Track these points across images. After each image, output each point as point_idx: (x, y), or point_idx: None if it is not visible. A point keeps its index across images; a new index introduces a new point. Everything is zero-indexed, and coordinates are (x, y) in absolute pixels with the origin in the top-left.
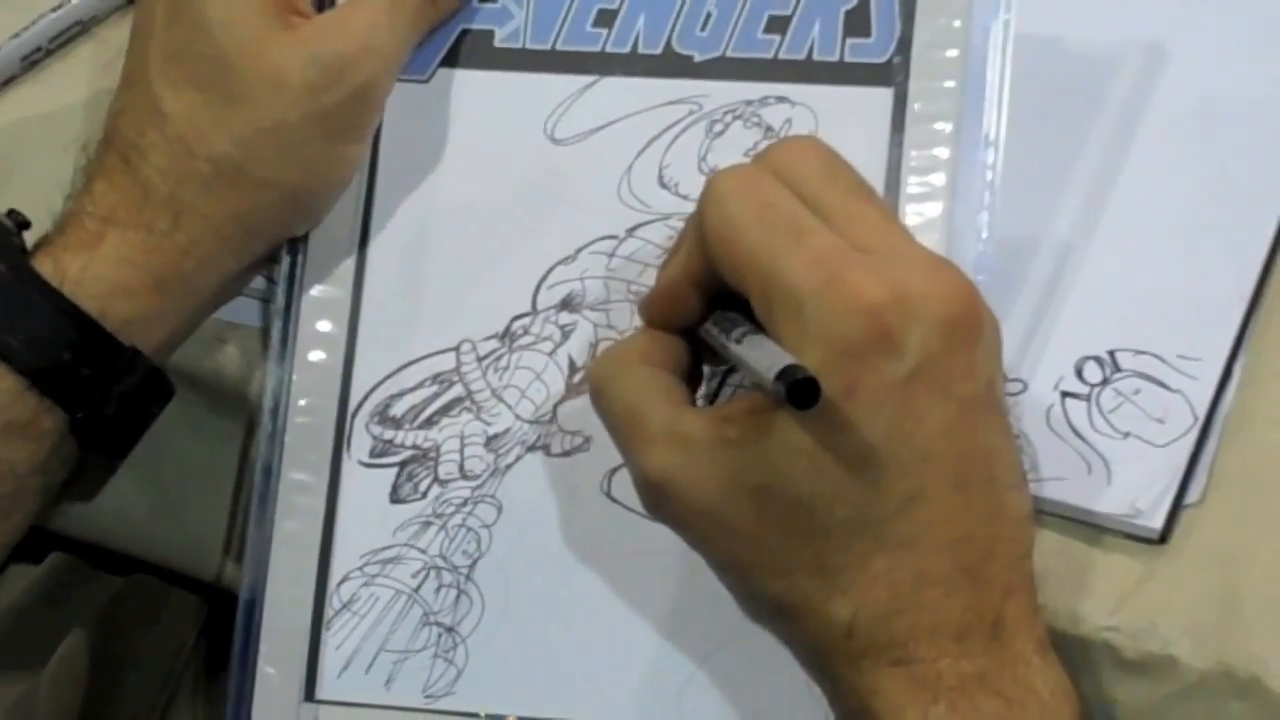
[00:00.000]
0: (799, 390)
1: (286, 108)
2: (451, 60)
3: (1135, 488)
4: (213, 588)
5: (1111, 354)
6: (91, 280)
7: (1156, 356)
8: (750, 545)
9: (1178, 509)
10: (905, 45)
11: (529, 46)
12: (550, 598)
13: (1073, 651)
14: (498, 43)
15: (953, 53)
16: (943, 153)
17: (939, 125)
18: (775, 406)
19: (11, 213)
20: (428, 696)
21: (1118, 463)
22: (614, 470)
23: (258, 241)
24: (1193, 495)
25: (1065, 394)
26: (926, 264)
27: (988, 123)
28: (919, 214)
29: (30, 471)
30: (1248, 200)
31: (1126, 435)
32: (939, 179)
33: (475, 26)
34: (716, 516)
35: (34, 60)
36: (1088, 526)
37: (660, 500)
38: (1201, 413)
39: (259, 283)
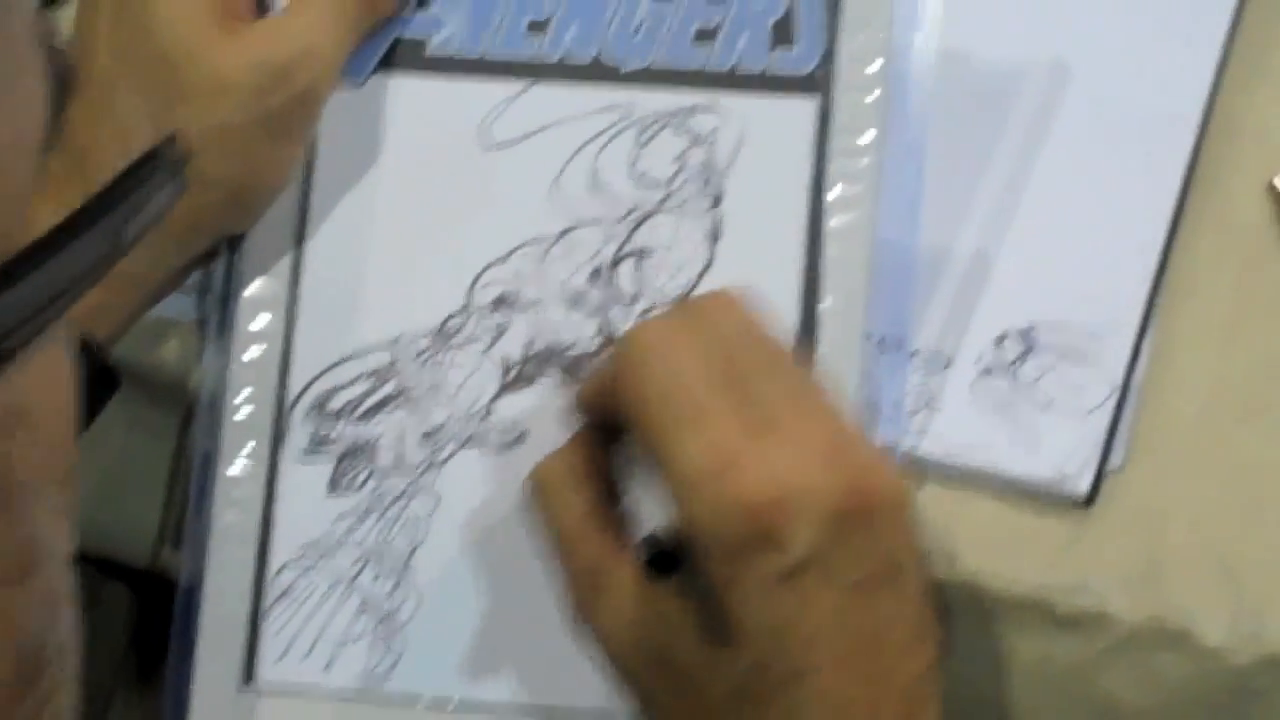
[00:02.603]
0: (659, 560)
1: (232, 110)
2: (385, 66)
3: (1060, 455)
4: (145, 576)
5: (1028, 329)
6: None
7: (1070, 330)
8: (644, 700)
9: (1102, 473)
10: (830, 57)
11: (462, 54)
12: (487, 586)
13: (1009, 611)
14: (431, 50)
15: (875, 66)
16: (866, 162)
17: (862, 135)
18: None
19: None
20: (367, 681)
21: (1042, 432)
22: None
23: (201, 238)
24: (1115, 460)
25: (986, 368)
26: (823, 449)
27: (911, 130)
28: (843, 222)
29: None
30: (1147, 188)
31: (1048, 405)
32: (862, 187)
33: (409, 35)
34: (619, 665)
35: None
36: (1018, 493)
37: (576, 622)
38: (1117, 383)
39: (195, 277)
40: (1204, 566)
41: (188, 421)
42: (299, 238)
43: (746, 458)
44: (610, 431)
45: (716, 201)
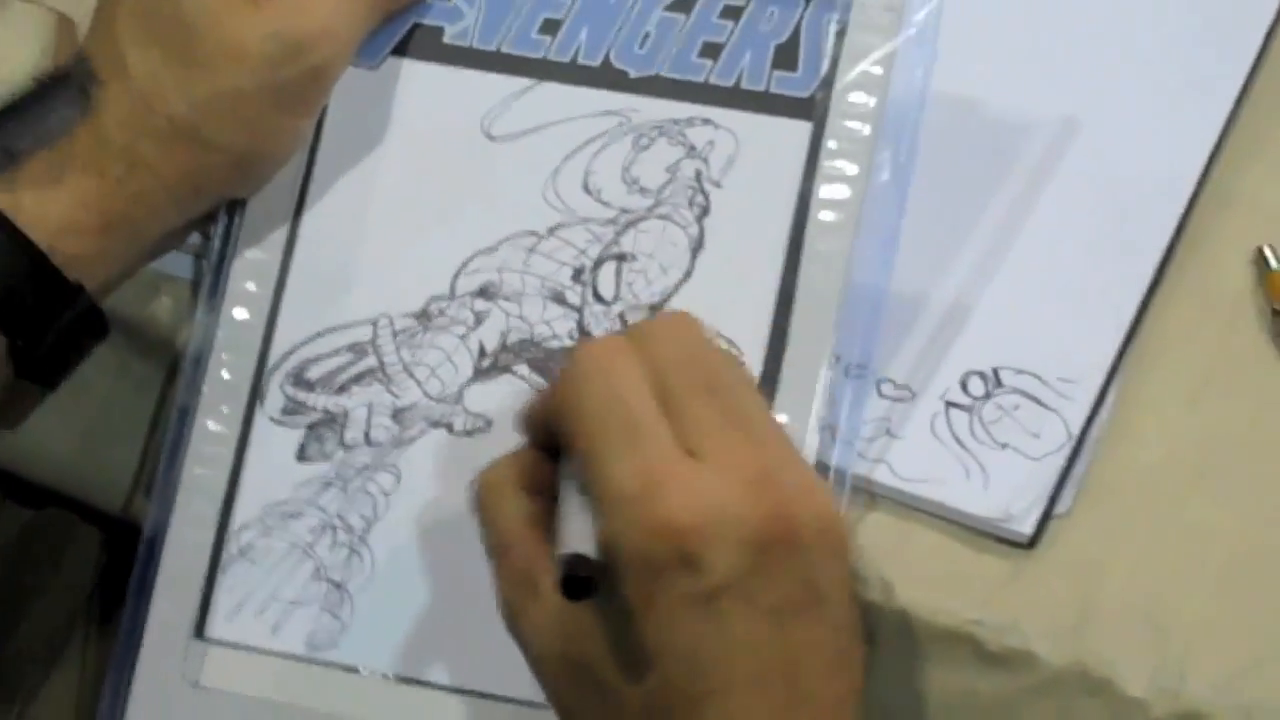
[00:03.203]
0: (573, 581)
1: (244, 78)
2: (400, 51)
3: (1009, 495)
4: (118, 523)
5: (995, 371)
6: (45, 216)
7: (1037, 377)
8: (560, 700)
9: (1047, 518)
10: (828, 84)
11: (475, 46)
12: (439, 567)
13: (939, 643)
14: (447, 39)
15: (870, 99)
16: (850, 192)
17: (849, 165)
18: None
19: None
20: (311, 647)
21: (994, 471)
22: None
23: (202, 199)
24: (1062, 506)
25: (950, 404)
26: (750, 476)
27: (899, 168)
28: (822, 247)
29: None
30: (1131, 249)
31: (1004, 446)
32: (844, 216)
33: (427, 22)
34: (539, 665)
35: None
36: (963, 527)
37: (508, 624)
38: (1075, 431)
39: (195, 238)
40: (1133, 620)
41: (173, 376)
42: (297, 209)
43: (672, 481)
44: (557, 450)
45: (703, 213)
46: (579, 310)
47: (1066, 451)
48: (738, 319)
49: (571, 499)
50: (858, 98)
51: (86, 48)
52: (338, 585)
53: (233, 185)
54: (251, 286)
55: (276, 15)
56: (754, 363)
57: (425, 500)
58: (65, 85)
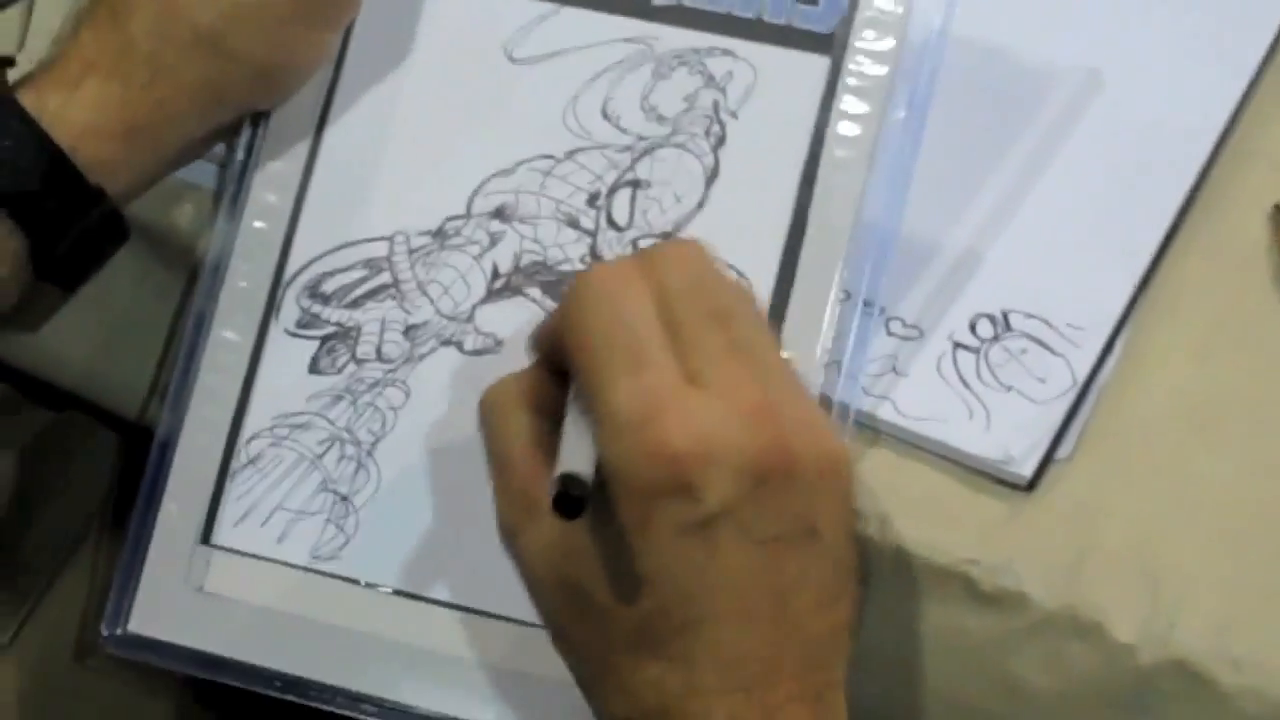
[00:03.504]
0: (565, 499)
1: None
2: None
3: (1011, 437)
4: (135, 428)
5: (1005, 314)
6: (68, 118)
7: (1046, 322)
8: (553, 621)
9: (1047, 461)
10: (848, 21)
11: None
12: (443, 484)
13: (933, 580)
14: None
15: (889, 38)
16: (865, 128)
17: (865, 102)
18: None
19: None
20: (314, 557)
21: (997, 413)
22: None
23: (225, 109)
24: (1063, 451)
25: (957, 344)
26: (752, 407)
27: (914, 110)
28: (835, 181)
29: None
30: (1149, 200)
31: (1009, 389)
32: (858, 153)
33: None
34: (534, 585)
35: None
36: (963, 467)
37: (505, 542)
38: (1081, 377)
39: (218, 148)
40: (1127, 566)
41: (192, 284)
42: (320, 123)
43: (674, 407)
44: (566, 372)
45: (719, 144)
46: (593, 235)
47: (1071, 397)
48: (748, 250)
49: (575, 420)
50: (877, 36)
51: None
52: (343, 498)
53: (255, 96)
54: (272, 198)
55: None
56: (763, 295)
57: (433, 417)
58: None
